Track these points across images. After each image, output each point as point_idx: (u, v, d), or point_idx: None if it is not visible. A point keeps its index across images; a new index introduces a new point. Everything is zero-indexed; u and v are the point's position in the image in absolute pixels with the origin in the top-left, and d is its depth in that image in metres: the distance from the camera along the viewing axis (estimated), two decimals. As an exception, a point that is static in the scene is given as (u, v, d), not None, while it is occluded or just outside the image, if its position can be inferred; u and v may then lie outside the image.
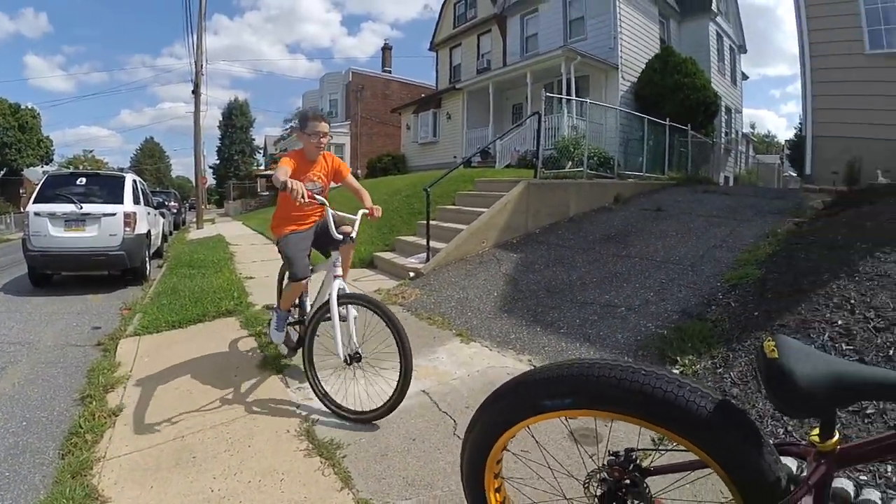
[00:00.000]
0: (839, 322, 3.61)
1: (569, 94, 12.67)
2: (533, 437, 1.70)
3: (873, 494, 2.31)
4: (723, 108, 17.06)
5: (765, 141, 36.18)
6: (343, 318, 3.09)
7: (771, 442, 1.13)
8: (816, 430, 1.08)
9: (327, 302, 3.10)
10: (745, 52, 21.58)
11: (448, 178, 8.04)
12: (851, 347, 3.37)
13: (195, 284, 6.46)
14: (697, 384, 1.13)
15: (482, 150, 12.24)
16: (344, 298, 3.11)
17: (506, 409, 1.34)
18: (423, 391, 3.30)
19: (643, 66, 14.78)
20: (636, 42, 15.11)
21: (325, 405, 3.10)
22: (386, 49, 32.19)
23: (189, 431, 2.86)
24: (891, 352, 3.27)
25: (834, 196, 6.71)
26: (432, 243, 6.84)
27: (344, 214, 3.32)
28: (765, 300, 4.23)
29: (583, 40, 15.18)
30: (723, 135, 18.13)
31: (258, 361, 3.90)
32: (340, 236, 3.15)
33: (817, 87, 8.26)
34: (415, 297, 5.58)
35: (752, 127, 40.01)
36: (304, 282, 3.42)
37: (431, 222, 7.08)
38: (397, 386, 2.86)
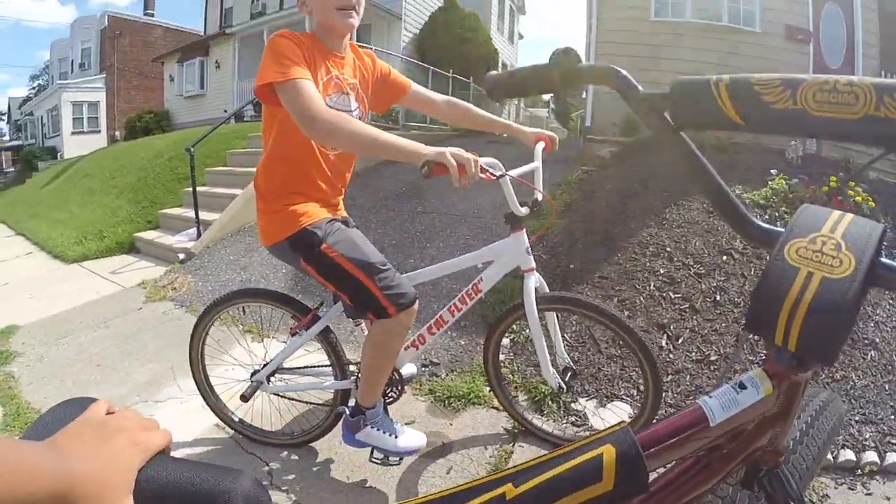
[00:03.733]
0: (661, 271, 3.50)
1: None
2: None
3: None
4: (500, 64, 17.66)
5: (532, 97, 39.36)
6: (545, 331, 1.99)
7: None
8: None
9: (515, 308, 2.00)
10: (524, 13, 23.00)
11: (216, 135, 6.69)
12: (679, 295, 3.25)
13: None
14: None
15: (256, 101, 10.71)
16: (547, 302, 1.96)
17: None
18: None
19: (426, 18, 14.58)
20: (421, -6, 14.71)
21: None
22: (149, -12, 27.19)
23: None
24: (717, 297, 3.21)
25: (618, 146, 6.93)
26: (203, 214, 5.58)
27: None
28: (577, 251, 4.00)
29: (366, -13, 14.26)
30: (499, 89, 18.90)
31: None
32: (525, 210, 1.86)
33: (601, 46, 8.58)
34: (187, 287, 4.41)
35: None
36: (415, 307, 1.82)
37: (201, 189, 5.81)
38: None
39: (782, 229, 0.59)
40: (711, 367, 2.78)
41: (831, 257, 0.53)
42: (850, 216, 0.57)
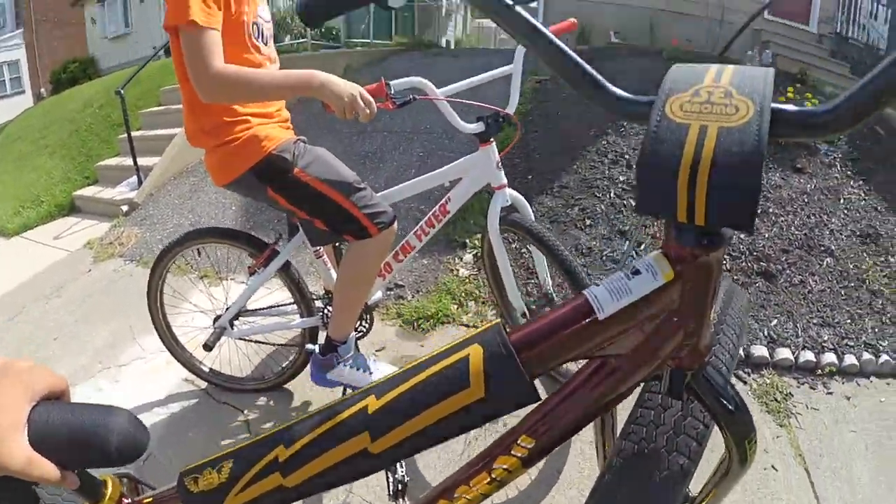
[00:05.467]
0: (621, 178, 3.46)
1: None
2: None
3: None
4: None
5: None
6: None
7: None
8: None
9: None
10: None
11: (146, 73, 6.22)
12: None
13: None
14: None
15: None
16: (504, 224, 1.81)
17: None
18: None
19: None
20: None
21: None
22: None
23: None
24: None
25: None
26: (143, 160, 5.24)
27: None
28: (534, 161, 3.94)
29: None
30: (444, -1, 18.10)
31: None
32: (475, 126, 1.72)
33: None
34: (135, 240, 4.19)
35: (469, -9, 42.17)
36: (395, 226, 1.71)
37: (136, 133, 5.42)
38: None
39: (652, 97, 0.48)
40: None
41: (724, 106, 0.43)
42: (732, 66, 0.47)
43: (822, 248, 2.97)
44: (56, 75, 17.33)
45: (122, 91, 5.11)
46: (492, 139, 1.75)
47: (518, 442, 0.61)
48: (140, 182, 5.12)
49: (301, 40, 8.35)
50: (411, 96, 1.53)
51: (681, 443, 0.69)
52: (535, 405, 0.59)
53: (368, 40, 10.31)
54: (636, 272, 0.53)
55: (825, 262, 2.87)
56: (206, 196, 4.62)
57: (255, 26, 1.55)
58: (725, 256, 2.74)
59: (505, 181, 1.79)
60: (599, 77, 0.54)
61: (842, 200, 3.34)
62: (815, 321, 2.48)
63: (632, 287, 0.52)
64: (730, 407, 0.62)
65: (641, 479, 0.68)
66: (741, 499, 1.67)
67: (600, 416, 0.67)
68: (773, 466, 1.80)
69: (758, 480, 1.74)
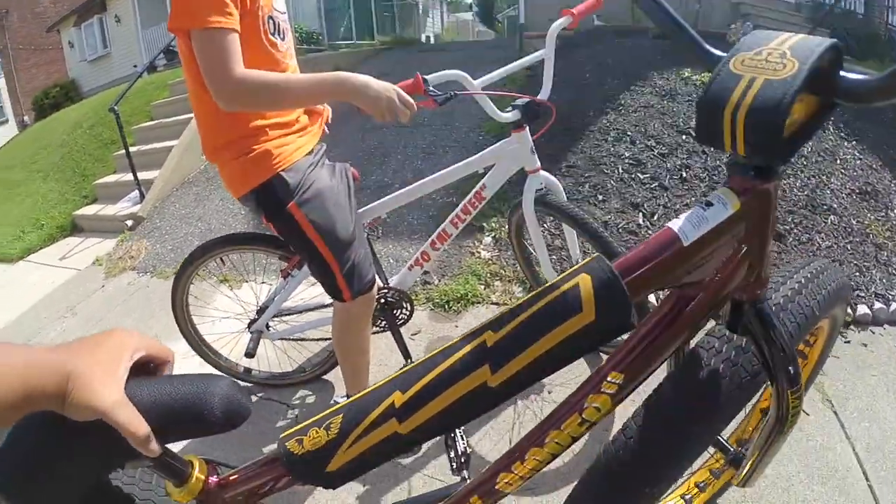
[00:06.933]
0: (626, 154, 3.51)
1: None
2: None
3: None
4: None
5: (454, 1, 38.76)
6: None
7: None
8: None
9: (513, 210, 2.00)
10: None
11: (133, 90, 6.20)
12: (647, 175, 3.31)
13: None
14: None
15: (166, 48, 9.81)
16: (540, 205, 1.80)
17: None
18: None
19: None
20: None
21: None
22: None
23: None
24: (683, 174, 3.26)
25: (559, 41, 6.78)
26: (142, 174, 5.25)
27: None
28: (538, 144, 3.95)
29: None
30: (421, -5, 18.18)
31: None
32: (512, 115, 1.67)
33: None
34: (146, 252, 4.18)
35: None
36: (373, 293, 1.64)
37: (132, 149, 5.41)
38: None
39: (727, 53, 0.59)
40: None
41: (775, 63, 0.53)
42: (801, 35, 0.55)
43: (825, 207, 3.06)
44: (38, 101, 17.19)
45: (117, 108, 5.11)
46: (525, 125, 1.71)
47: (607, 379, 0.64)
48: (142, 196, 5.12)
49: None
50: (451, 92, 1.46)
51: (734, 372, 0.75)
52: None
53: (352, 41, 10.29)
54: (709, 204, 0.61)
55: (829, 220, 2.97)
56: (213, 204, 4.63)
57: (270, 21, 1.41)
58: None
59: (539, 164, 1.78)
60: (699, 38, 0.70)
61: (838, 161, 3.43)
62: (825, 275, 2.60)
63: (708, 217, 0.60)
64: (779, 348, 0.68)
65: (694, 392, 0.76)
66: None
67: (680, 348, 0.70)
68: (803, 411, 1.85)
69: (790, 423, 1.81)
